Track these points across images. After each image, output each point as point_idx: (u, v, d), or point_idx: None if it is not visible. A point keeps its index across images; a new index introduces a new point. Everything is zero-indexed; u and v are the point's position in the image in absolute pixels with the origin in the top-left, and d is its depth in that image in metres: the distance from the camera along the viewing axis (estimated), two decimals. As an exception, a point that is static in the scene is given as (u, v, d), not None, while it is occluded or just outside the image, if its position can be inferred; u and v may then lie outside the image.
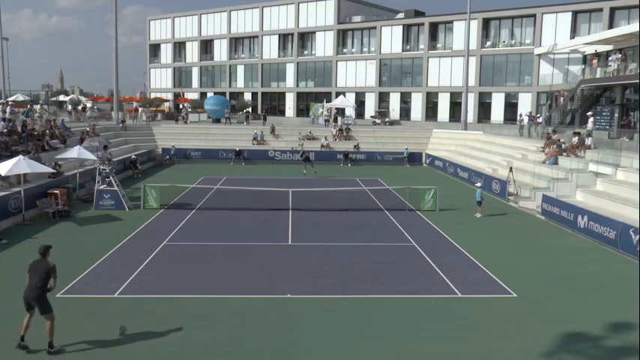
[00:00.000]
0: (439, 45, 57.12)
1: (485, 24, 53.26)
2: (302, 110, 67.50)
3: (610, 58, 35.28)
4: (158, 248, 16.92)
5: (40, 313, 9.73)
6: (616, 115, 33.35)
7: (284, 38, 69.99)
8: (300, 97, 68.61)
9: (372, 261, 15.83)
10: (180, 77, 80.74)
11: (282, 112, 69.60)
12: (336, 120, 51.81)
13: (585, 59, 44.02)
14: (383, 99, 61.43)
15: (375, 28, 61.31)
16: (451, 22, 55.74)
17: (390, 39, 59.97)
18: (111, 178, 23.26)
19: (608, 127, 33.42)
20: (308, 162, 33.02)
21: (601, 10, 45.07)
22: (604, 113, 35.08)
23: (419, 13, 61.08)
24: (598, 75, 36.20)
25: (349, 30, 63.94)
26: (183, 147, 41.98)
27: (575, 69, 45.87)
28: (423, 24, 57.81)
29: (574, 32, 47.01)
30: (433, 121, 56.54)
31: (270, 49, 70.81)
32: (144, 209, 22.94)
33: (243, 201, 24.61)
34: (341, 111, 57.97)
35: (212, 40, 76.93)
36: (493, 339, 10.66)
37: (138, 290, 13.11)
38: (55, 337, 10.50)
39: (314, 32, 66.34)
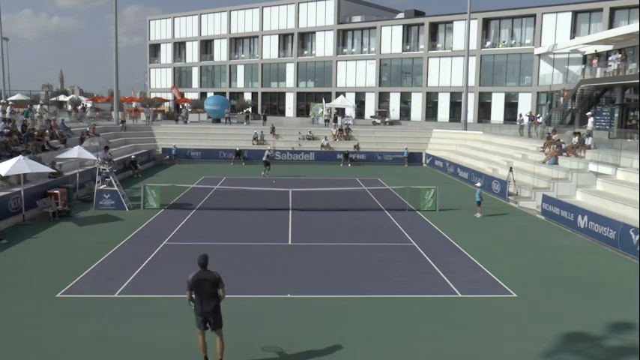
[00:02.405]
0: (439, 45, 57.14)
1: (486, 24, 53.27)
2: (302, 110, 67.51)
3: (610, 58, 35.27)
4: (158, 248, 16.92)
5: (214, 327, 9.19)
6: (616, 115, 33.35)
7: (284, 38, 70.00)
8: (300, 97, 68.61)
9: (372, 261, 15.83)
10: (181, 77, 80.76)
11: (282, 112, 69.61)
12: (336, 120, 51.81)
13: (585, 59, 44.02)
14: (383, 99, 61.44)
15: (375, 28, 61.32)
16: (451, 22, 55.76)
17: (390, 39, 59.98)
18: (111, 178, 23.26)
19: (608, 127, 33.43)
20: (267, 165, 33.72)
21: (601, 10, 45.08)
22: (604, 113, 35.10)
23: (419, 13, 61.10)
24: (598, 75, 36.20)
25: (349, 30, 63.94)
26: (183, 147, 41.98)
27: (575, 69, 45.87)
28: (423, 24, 57.82)
29: (574, 32, 47.02)
30: (433, 121, 56.55)
31: (270, 49, 70.83)
32: (144, 209, 22.94)
33: (243, 201, 24.60)
34: (341, 111, 57.99)
35: (212, 40, 76.95)
36: (493, 339, 10.66)
37: (138, 290, 13.11)
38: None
39: (314, 32, 66.34)
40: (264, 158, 34.38)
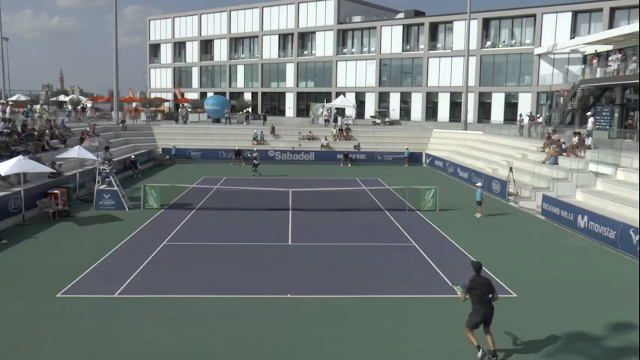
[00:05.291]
0: (439, 45, 57.13)
1: (486, 24, 53.26)
2: (302, 110, 67.51)
3: (610, 58, 35.27)
4: (158, 248, 16.92)
5: (488, 325, 9.81)
6: (616, 115, 33.34)
7: (284, 38, 70.01)
8: (300, 97, 68.62)
9: (372, 261, 15.83)
10: (181, 77, 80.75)
11: (282, 112, 69.61)
12: (336, 120, 51.82)
13: (585, 59, 44.01)
14: (383, 99, 61.44)
15: (375, 28, 61.32)
16: (451, 22, 55.75)
17: (390, 39, 59.98)
18: (111, 178, 23.26)
19: (608, 127, 33.43)
20: (255, 166, 33.84)
21: (601, 10, 45.08)
22: (604, 113, 35.11)
23: (419, 13, 61.10)
24: (598, 75, 36.20)
25: (349, 30, 63.94)
26: (183, 147, 42.00)
27: (575, 69, 45.86)
28: (423, 24, 57.82)
29: (574, 32, 47.02)
30: (433, 121, 56.55)
31: (270, 49, 70.83)
32: (144, 209, 22.94)
33: (243, 201, 24.60)
34: (341, 111, 57.98)
35: (212, 40, 76.95)
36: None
37: (138, 290, 13.11)
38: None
39: (314, 32, 66.35)
40: (255, 160, 34.36)
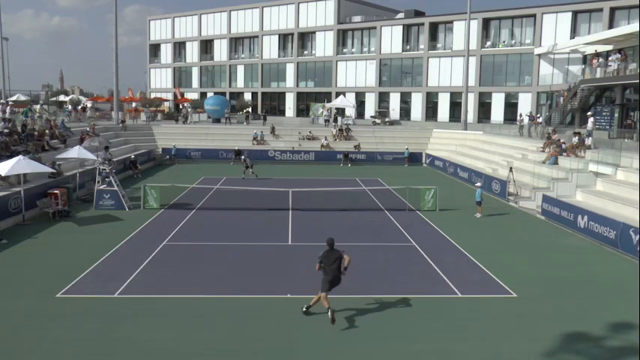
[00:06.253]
0: (439, 45, 57.14)
1: (486, 24, 53.27)
2: (302, 110, 67.52)
3: (610, 58, 35.27)
4: (158, 248, 16.92)
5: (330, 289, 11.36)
6: (616, 115, 33.36)
7: (284, 38, 70.02)
8: (300, 97, 68.62)
9: (372, 261, 15.82)
10: (181, 77, 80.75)
11: (282, 112, 69.61)
12: (336, 120, 51.82)
13: (585, 59, 44.01)
14: (383, 99, 61.45)
15: (375, 28, 61.33)
16: (451, 22, 55.75)
17: (390, 39, 59.98)
18: (111, 178, 23.26)
19: (608, 127, 33.44)
20: (248, 167, 33.05)
21: (601, 10, 45.08)
22: (604, 113, 35.13)
23: (419, 13, 61.10)
24: (598, 75, 36.20)
25: (349, 30, 63.95)
26: (183, 147, 42.00)
27: (575, 69, 45.87)
28: (423, 24, 57.82)
29: (574, 32, 47.02)
30: (433, 121, 56.56)
31: (270, 49, 70.83)
32: (144, 209, 22.94)
33: (243, 201, 24.60)
34: (341, 111, 57.99)
35: (212, 40, 76.96)
36: (493, 339, 10.66)
37: (138, 290, 13.12)
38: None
39: (314, 32, 66.35)
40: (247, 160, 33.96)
